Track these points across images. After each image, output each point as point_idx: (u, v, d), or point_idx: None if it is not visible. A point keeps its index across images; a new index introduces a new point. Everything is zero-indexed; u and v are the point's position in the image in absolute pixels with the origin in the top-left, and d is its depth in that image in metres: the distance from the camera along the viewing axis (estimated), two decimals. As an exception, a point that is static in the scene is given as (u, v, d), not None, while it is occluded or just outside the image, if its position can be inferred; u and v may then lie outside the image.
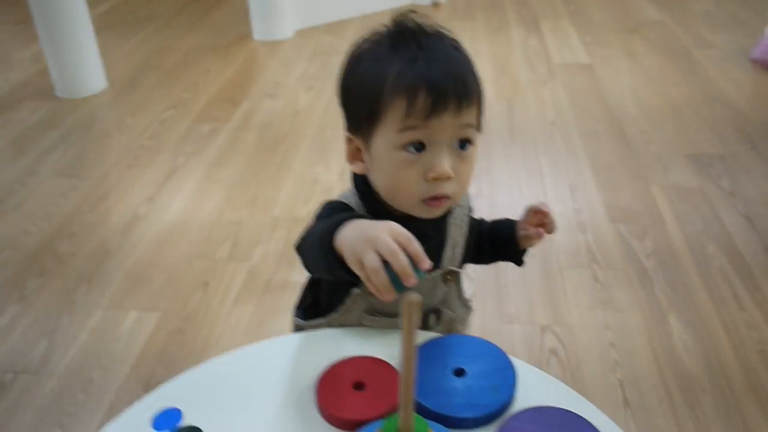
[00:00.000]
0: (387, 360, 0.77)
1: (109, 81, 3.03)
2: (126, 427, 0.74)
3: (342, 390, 0.73)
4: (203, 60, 3.25)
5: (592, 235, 1.95)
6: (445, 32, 0.77)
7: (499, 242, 0.92)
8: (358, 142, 0.77)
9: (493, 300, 1.72)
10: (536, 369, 0.78)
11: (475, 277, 1.78)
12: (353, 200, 0.81)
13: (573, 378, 1.48)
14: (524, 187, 2.19)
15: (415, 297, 0.51)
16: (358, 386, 0.74)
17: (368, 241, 0.56)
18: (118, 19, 3.88)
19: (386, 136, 0.73)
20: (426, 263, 0.52)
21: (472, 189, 2.06)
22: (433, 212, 0.77)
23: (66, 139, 2.59)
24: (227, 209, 2.13)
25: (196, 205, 2.17)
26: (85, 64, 2.89)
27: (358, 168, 0.79)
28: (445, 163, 0.72)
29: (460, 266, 0.87)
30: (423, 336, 0.81)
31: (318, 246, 0.68)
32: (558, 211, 1.99)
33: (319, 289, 0.89)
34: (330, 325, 0.86)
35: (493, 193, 2.16)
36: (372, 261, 0.55)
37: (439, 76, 0.71)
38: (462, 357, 0.77)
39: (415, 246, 0.54)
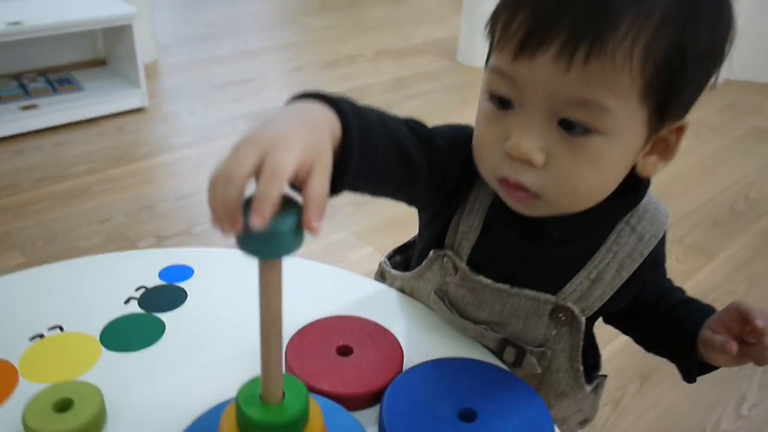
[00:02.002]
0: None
1: (505, 62, 3.06)
2: (140, 262, 0.69)
3: (321, 353, 0.56)
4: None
5: None
6: None
7: (672, 332, 0.60)
8: None
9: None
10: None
11: None
12: None
13: None
14: None
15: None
16: (344, 351, 0.56)
17: (266, 135, 0.37)
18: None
19: (486, 69, 0.51)
20: (258, 219, 0.33)
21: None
22: (513, 203, 0.52)
23: (432, 94, 2.70)
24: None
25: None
26: (490, 39, 2.96)
27: None
28: (529, 139, 0.47)
29: (590, 314, 0.58)
30: (459, 349, 0.57)
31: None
32: None
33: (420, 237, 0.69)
34: (401, 289, 0.67)
35: None
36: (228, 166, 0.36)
37: None
38: (479, 394, 0.52)
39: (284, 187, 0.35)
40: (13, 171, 1.91)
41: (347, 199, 1.89)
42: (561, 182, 0.49)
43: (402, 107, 2.54)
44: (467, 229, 0.58)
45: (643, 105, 0.47)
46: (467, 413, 0.51)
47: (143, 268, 0.68)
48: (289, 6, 3.84)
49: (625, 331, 0.66)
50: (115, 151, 2.06)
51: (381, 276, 0.72)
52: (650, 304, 0.62)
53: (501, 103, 0.50)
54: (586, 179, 0.49)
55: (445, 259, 0.60)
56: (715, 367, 0.56)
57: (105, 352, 0.57)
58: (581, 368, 0.59)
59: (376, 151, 0.47)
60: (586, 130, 0.47)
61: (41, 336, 0.58)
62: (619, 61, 0.44)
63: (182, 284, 0.66)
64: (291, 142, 0.37)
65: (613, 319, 0.65)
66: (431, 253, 0.60)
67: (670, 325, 0.60)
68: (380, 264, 0.73)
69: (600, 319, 0.64)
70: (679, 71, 0.46)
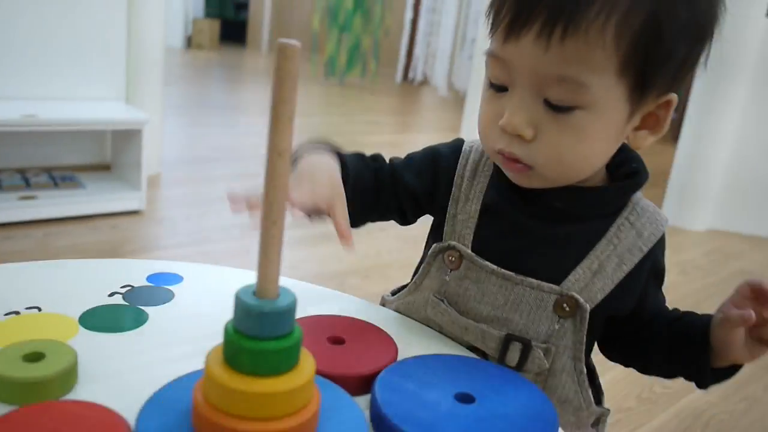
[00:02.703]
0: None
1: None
2: (129, 267, 0.67)
3: (311, 340, 0.53)
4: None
5: None
6: None
7: (681, 336, 0.59)
8: None
9: None
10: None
11: None
12: None
13: None
14: None
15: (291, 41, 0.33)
16: (335, 341, 0.53)
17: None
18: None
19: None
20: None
21: None
22: (511, 175, 0.56)
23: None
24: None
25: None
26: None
27: None
28: (517, 114, 0.51)
29: (593, 305, 0.56)
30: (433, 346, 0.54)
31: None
32: None
33: None
34: (397, 309, 0.65)
35: None
36: None
37: None
38: (477, 382, 0.49)
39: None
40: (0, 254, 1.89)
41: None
42: (548, 154, 0.52)
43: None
44: (466, 217, 0.59)
45: (621, 79, 0.50)
46: (465, 397, 0.47)
47: (132, 271, 0.66)
48: (296, 141, 4.00)
49: (627, 359, 0.63)
50: (104, 245, 2.05)
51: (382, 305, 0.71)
52: (654, 319, 0.61)
53: (497, 88, 0.54)
54: (572, 151, 0.52)
55: (447, 253, 0.60)
56: (730, 372, 0.55)
57: (82, 330, 0.54)
58: (585, 370, 0.57)
59: (361, 186, 0.61)
60: (569, 108, 0.50)
61: (17, 313, 0.55)
62: (593, 38, 0.48)
63: (170, 287, 0.64)
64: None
65: (615, 342, 0.63)
66: (433, 247, 0.60)
67: (677, 331, 0.59)
68: (382, 297, 0.71)
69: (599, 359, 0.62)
70: (656, 46, 0.49)
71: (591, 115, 0.51)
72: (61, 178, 2.30)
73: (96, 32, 2.38)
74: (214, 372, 0.38)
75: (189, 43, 8.86)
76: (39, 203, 2.11)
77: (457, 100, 6.78)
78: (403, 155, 0.66)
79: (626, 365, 0.64)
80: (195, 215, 2.43)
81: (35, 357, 0.46)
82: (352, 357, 0.52)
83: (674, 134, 4.97)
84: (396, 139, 4.58)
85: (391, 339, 0.55)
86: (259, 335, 0.37)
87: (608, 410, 0.62)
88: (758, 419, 1.57)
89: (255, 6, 10.43)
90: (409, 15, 7.81)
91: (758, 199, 3.11)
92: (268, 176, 0.35)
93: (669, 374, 0.61)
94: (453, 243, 0.59)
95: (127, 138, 2.34)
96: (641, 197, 0.59)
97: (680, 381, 0.60)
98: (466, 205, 0.60)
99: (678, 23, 0.49)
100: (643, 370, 0.63)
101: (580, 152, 0.52)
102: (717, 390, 1.64)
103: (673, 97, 0.53)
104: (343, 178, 0.57)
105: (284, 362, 0.38)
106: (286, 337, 0.38)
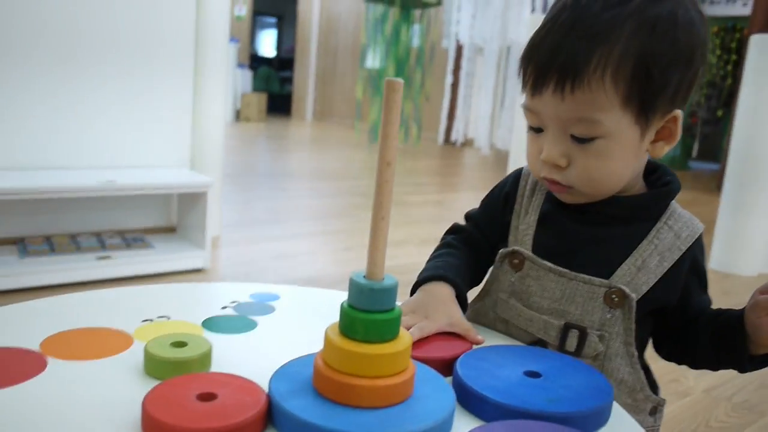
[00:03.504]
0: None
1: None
2: (233, 288, 0.79)
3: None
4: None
5: None
6: None
7: (722, 328, 0.67)
8: None
9: None
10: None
11: None
12: None
13: None
14: None
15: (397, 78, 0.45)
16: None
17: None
18: None
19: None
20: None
21: None
22: (556, 194, 0.69)
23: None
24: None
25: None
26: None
27: None
28: (552, 149, 0.65)
29: (639, 296, 0.65)
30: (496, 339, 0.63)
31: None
32: None
33: None
34: (467, 318, 0.75)
35: None
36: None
37: (548, 46, 0.63)
38: (543, 363, 0.58)
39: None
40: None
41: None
42: (581, 175, 0.65)
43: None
44: (526, 227, 0.71)
45: (626, 111, 0.62)
46: (532, 374, 0.56)
47: (237, 291, 0.77)
48: (343, 202, 4.18)
49: (677, 354, 0.71)
50: (176, 300, 2.18)
51: None
52: (698, 316, 0.69)
53: (535, 130, 0.67)
54: (599, 171, 0.64)
55: (512, 256, 0.70)
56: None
57: (206, 332, 0.65)
58: (636, 353, 0.65)
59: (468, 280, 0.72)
60: (590, 139, 0.63)
61: (151, 320, 0.67)
62: (595, 87, 0.61)
63: (270, 303, 0.75)
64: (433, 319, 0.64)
65: (667, 340, 0.71)
66: (499, 252, 0.71)
67: (719, 324, 0.67)
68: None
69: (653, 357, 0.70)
70: (648, 82, 0.61)
71: (609, 142, 0.63)
72: (132, 239, 2.47)
73: (166, 109, 2.60)
74: (333, 340, 0.48)
75: (237, 116, 9.29)
76: (113, 263, 2.28)
77: (499, 158, 6.91)
78: (448, 212, 0.80)
79: (679, 362, 0.72)
80: (254, 272, 2.56)
81: (180, 344, 0.56)
82: (436, 347, 0.61)
83: (718, 184, 4.99)
84: (440, 198, 4.71)
85: (468, 341, 0.64)
86: (369, 309, 0.48)
87: (663, 400, 0.69)
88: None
89: (299, 80, 10.92)
90: (449, 79, 8.07)
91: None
92: (378, 181, 0.46)
93: (715, 365, 0.68)
94: (517, 248, 0.70)
95: (192, 201, 2.51)
96: (678, 206, 0.69)
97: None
98: (526, 217, 0.71)
99: (663, 60, 0.61)
100: (692, 364, 0.71)
101: (606, 171, 0.65)
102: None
103: (678, 113, 0.65)
104: (457, 287, 0.69)
105: (388, 331, 0.48)
106: (390, 312, 0.48)
